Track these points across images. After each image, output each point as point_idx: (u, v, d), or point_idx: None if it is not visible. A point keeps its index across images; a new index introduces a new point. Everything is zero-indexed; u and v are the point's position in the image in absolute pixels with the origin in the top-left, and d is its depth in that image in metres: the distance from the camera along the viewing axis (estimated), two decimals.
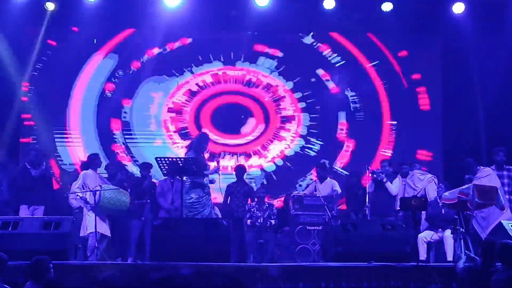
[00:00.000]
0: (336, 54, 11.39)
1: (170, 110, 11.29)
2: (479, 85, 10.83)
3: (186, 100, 11.34)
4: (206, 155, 8.28)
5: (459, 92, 10.99)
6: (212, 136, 10.69)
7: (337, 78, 11.35)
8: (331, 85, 11.36)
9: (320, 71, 11.38)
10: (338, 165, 11.02)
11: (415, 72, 11.34)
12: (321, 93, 11.35)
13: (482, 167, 8.73)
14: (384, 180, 8.89)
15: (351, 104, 11.32)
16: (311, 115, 11.32)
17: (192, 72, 11.34)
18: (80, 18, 10.67)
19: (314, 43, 11.41)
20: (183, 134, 11.25)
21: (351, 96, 11.31)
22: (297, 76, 11.35)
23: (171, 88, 11.32)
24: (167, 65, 11.26)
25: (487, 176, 8.50)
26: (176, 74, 11.29)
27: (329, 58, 11.41)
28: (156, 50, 11.25)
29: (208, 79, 11.37)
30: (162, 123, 11.27)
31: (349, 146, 11.18)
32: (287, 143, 11.29)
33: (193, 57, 11.28)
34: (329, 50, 11.40)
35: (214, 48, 11.27)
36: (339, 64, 11.38)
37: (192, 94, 11.35)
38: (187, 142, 9.64)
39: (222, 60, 11.33)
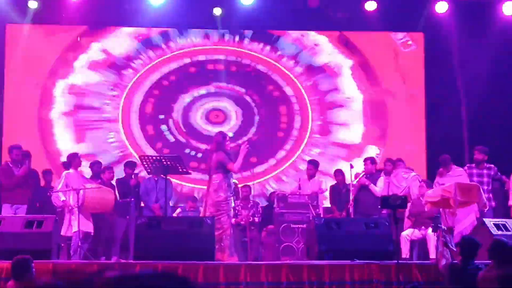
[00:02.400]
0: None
1: None
2: (462, 83, 10.92)
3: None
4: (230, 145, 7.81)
5: (442, 91, 11.07)
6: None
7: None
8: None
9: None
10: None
11: (397, 69, 11.43)
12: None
13: (455, 167, 8.84)
14: (367, 183, 8.93)
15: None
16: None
17: None
18: (64, 16, 10.68)
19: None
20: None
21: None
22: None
23: None
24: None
25: (458, 177, 8.60)
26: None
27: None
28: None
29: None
30: None
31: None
32: None
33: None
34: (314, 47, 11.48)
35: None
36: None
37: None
38: None
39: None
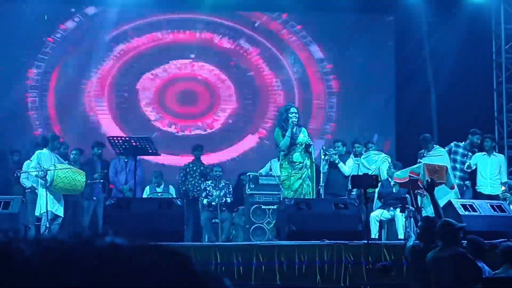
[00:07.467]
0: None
1: None
2: (432, 66, 11.00)
3: None
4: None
5: (412, 74, 11.13)
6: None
7: (293, 59, 11.44)
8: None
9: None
10: None
11: (368, 54, 11.43)
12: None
13: (437, 146, 8.93)
14: (337, 161, 8.96)
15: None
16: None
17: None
18: None
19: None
20: None
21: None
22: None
23: None
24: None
25: (438, 156, 8.69)
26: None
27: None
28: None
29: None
30: None
31: None
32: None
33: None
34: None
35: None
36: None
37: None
38: None
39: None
